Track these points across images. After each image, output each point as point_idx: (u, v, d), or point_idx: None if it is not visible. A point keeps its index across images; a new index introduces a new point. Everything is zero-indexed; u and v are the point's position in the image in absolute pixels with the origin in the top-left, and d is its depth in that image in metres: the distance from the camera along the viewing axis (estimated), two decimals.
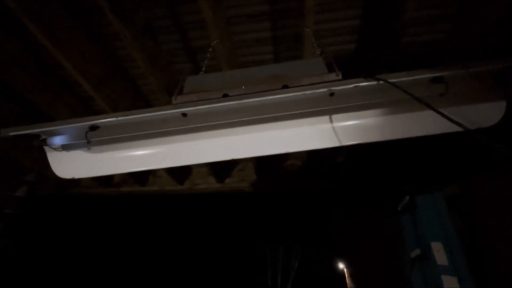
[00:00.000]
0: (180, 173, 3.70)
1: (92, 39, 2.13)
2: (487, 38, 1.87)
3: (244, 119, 1.19)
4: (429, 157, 2.52)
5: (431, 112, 1.32)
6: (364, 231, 3.93)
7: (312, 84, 1.10)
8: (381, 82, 0.98)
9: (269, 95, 1.04)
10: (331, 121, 1.27)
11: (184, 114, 1.27)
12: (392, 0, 1.65)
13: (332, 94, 1.23)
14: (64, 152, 1.39)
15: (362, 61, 2.26)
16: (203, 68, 1.56)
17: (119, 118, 1.09)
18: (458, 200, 2.23)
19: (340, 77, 1.13)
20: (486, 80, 1.16)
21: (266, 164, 3.38)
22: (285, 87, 1.12)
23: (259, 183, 3.52)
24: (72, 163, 1.39)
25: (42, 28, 1.77)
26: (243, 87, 1.14)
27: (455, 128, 1.34)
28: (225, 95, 1.17)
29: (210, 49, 1.75)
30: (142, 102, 2.68)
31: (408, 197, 2.01)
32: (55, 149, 1.40)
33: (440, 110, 1.28)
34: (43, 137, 1.37)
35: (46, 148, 1.43)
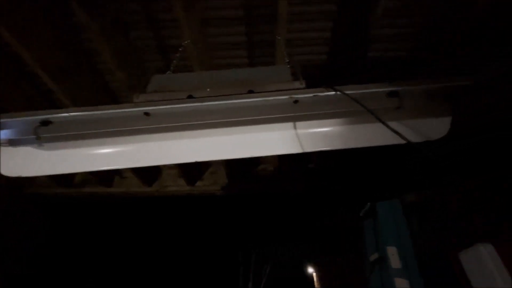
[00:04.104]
0: (149, 174, 3.57)
1: (55, 27, 2.00)
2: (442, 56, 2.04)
3: (210, 121, 1.18)
4: (391, 166, 2.67)
5: (392, 123, 1.41)
6: (332, 236, 4.06)
7: (276, 90, 1.12)
8: (338, 93, 1.02)
9: (233, 99, 1.04)
10: (295, 127, 1.30)
11: (146, 113, 1.23)
12: (359, 15, 1.75)
13: (296, 101, 1.27)
14: (10, 148, 1.28)
15: (333, 71, 2.35)
16: (172, 67, 1.53)
17: (71, 114, 1.03)
18: (415, 207, 2.40)
19: (303, 86, 1.16)
20: (436, 97, 1.26)
21: (238, 168, 3.37)
22: (251, 92, 1.13)
23: (231, 187, 3.50)
24: (19, 160, 1.28)
25: None
26: (208, 90, 1.14)
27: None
28: (190, 97, 1.15)
29: (180, 49, 1.72)
30: (109, 98, 2.56)
31: (369, 203, 2.11)
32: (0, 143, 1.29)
33: (396, 122, 1.37)
34: None
35: None
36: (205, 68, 2.09)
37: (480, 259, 1.51)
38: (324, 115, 1.25)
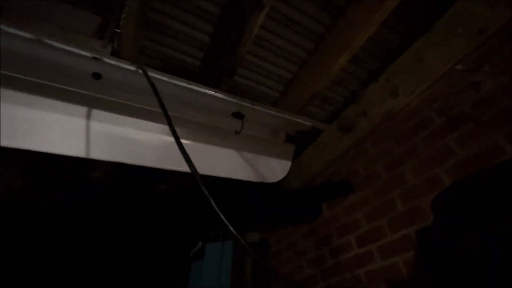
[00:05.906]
0: None
1: None
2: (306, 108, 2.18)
3: None
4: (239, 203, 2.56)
5: (229, 151, 1.18)
6: (165, 276, 3.51)
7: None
8: (140, 71, 0.67)
9: None
10: (88, 117, 0.84)
11: None
12: (238, 29, 1.59)
13: (98, 76, 0.82)
14: None
15: (205, 80, 2.08)
16: None
17: None
18: (257, 247, 2.32)
19: (107, 50, 0.75)
20: (278, 134, 1.15)
21: (47, 168, 2.37)
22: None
23: (30, 194, 2.39)
24: None
25: None
26: None
27: (247, 177, 1.25)
28: None
29: None
30: None
31: (200, 243, 1.81)
32: None
33: (234, 151, 1.16)
34: None
35: None
36: None
37: None
38: (135, 110, 0.86)
